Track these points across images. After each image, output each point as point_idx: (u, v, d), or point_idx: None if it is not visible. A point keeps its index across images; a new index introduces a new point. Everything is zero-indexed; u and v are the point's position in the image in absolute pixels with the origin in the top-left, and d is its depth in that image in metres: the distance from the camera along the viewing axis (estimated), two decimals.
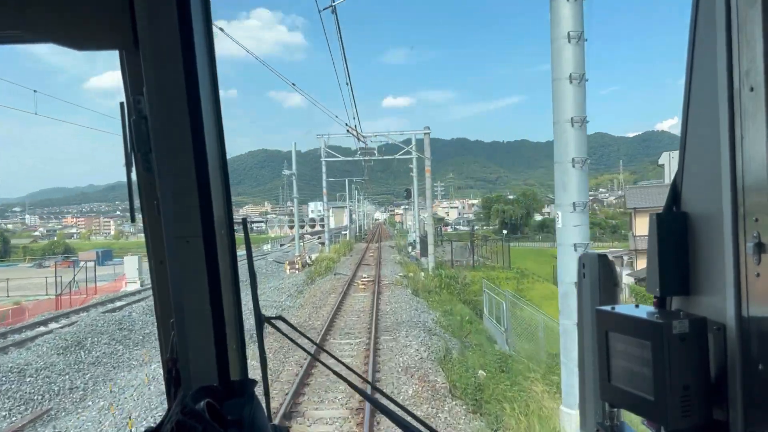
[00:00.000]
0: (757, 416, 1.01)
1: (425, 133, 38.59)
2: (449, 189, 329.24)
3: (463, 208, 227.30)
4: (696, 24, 1.11)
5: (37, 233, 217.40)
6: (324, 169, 50.91)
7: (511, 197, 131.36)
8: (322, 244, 66.48)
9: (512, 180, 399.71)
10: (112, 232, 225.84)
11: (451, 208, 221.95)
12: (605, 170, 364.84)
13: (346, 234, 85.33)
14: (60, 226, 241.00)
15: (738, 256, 1.00)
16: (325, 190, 53.79)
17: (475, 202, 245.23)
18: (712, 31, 1.04)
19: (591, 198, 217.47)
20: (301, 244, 70.41)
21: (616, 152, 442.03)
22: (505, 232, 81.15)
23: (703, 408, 1.07)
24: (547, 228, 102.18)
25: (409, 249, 58.66)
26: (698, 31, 1.11)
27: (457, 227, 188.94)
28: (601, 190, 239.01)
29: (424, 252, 48.03)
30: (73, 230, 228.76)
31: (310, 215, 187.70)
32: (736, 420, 1.03)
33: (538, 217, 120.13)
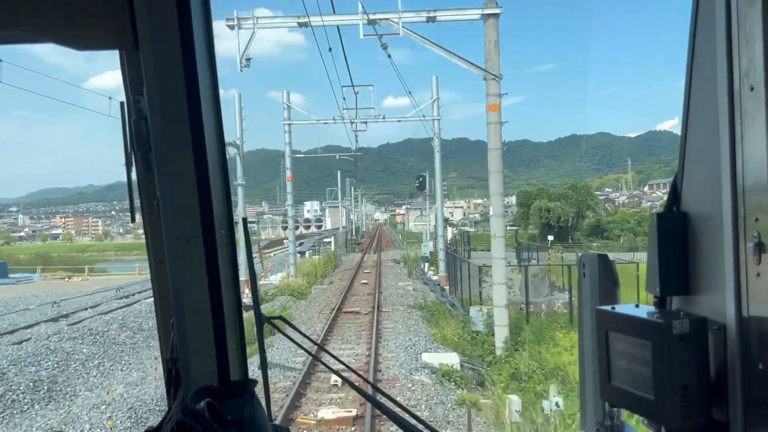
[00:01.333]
0: (756, 416, 1.00)
1: (487, 15, 15.44)
2: (452, 189, 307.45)
3: (469, 207, 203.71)
4: (696, 24, 1.10)
5: (22, 233, 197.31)
6: (287, 115, 27.80)
7: (554, 191, 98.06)
8: (301, 254, 41.16)
9: (514, 179, 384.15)
10: (100, 232, 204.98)
11: (456, 208, 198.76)
12: (608, 170, 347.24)
13: (332, 241, 57.49)
14: (48, 226, 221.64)
15: (738, 256, 0.99)
16: (289, 174, 30.72)
17: (480, 201, 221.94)
18: (712, 31, 1.03)
19: (603, 198, 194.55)
20: (270, 257, 45.91)
21: (618, 152, 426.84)
22: (550, 238, 57.73)
23: (703, 408, 1.06)
24: (606, 232, 76.89)
25: (425, 268, 34.95)
26: (698, 30, 1.10)
27: (463, 228, 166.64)
28: (607, 189, 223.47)
29: (454, 279, 25.09)
30: (58, 231, 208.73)
31: (306, 215, 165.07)
32: (736, 420, 1.02)
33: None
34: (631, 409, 1.14)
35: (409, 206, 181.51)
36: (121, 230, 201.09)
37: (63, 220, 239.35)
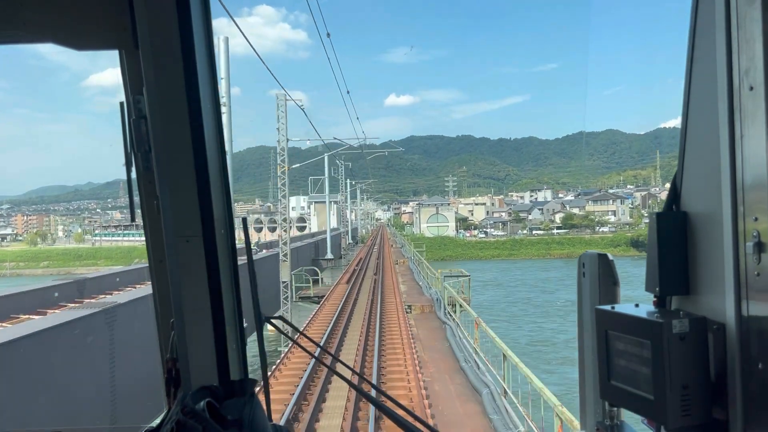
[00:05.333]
0: (756, 415, 0.99)
1: None
2: (462, 185, 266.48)
3: (493, 204, 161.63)
4: (696, 23, 1.09)
5: None
6: None
7: None
8: None
9: (522, 178, 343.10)
10: (60, 233, 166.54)
11: (476, 205, 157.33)
12: (617, 168, 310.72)
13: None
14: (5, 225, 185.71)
15: (738, 256, 0.98)
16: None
17: (499, 197, 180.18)
18: (712, 31, 1.02)
19: (644, 193, 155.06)
20: None
21: (628, 149, 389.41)
22: None
23: (703, 407, 1.05)
24: None
25: None
26: (698, 30, 1.08)
27: (489, 231, 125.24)
28: (629, 187, 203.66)
29: None
30: (8, 231, 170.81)
31: (291, 213, 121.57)
32: (736, 419, 1.01)
33: None
34: (630, 409, 1.12)
35: (420, 203, 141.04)
36: (79, 229, 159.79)
37: (25, 218, 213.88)
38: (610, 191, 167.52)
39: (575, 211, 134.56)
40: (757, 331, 0.94)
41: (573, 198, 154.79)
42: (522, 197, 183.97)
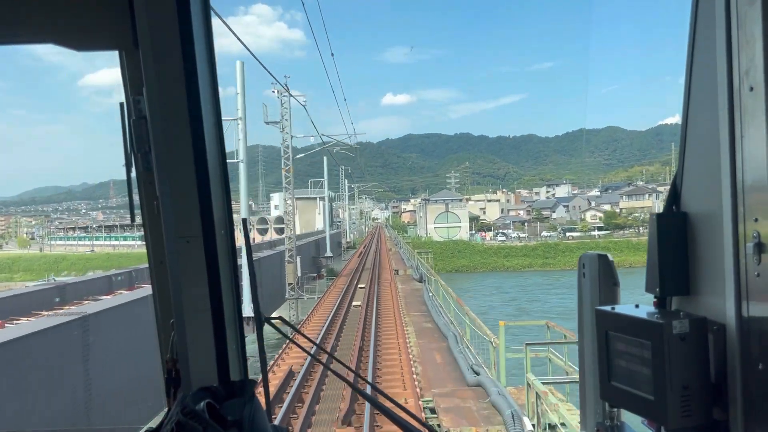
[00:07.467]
0: (757, 416, 0.97)
1: None
2: (465, 183, 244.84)
3: (508, 202, 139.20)
4: (695, 23, 1.07)
5: None
6: None
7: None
8: None
9: (522, 176, 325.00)
10: (24, 236, 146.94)
11: (489, 202, 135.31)
12: (619, 165, 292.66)
13: None
14: None
15: (738, 256, 0.97)
16: None
17: (514, 194, 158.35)
18: (712, 31, 1.01)
19: (668, 187, 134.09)
20: None
21: (629, 146, 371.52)
22: None
23: (703, 408, 1.03)
24: None
25: None
26: (698, 30, 1.07)
27: (507, 232, 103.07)
28: (639, 182, 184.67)
29: None
30: None
31: (274, 212, 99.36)
32: (736, 420, 1.00)
33: None
34: (631, 409, 1.11)
35: (426, 199, 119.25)
36: (40, 231, 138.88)
37: None
38: (623, 189, 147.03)
39: (607, 207, 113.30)
40: (758, 332, 0.94)
41: (599, 193, 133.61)
42: (538, 193, 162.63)
